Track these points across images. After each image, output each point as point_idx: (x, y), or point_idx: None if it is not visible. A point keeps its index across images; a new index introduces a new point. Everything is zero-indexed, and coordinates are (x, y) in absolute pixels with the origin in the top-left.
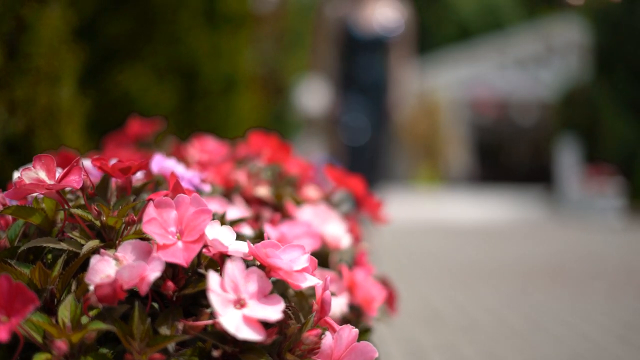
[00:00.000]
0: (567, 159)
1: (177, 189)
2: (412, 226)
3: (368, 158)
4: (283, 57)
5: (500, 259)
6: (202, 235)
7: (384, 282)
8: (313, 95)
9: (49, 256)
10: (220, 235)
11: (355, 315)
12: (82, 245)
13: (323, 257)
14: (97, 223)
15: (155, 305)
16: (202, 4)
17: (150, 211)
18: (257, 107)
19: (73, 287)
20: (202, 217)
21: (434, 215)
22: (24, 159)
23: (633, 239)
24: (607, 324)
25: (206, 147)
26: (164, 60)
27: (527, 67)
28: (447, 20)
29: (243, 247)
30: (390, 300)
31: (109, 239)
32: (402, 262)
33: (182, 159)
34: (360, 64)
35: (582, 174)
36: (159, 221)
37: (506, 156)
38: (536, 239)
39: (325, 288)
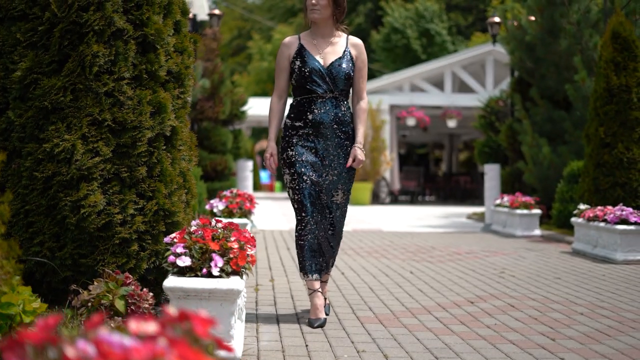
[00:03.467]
0: (492, 179)
1: None
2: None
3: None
4: (226, 84)
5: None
6: None
7: None
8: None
9: None
10: None
11: None
12: None
13: None
14: None
15: None
16: (139, 65)
17: None
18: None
19: None
20: None
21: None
22: None
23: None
24: None
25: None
26: (98, 118)
27: (463, 85)
28: (392, 47)
29: None
30: None
31: None
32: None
33: None
34: (314, 95)
35: (506, 199)
36: None
37: (442, 168)
38: (461, 257)
39: None
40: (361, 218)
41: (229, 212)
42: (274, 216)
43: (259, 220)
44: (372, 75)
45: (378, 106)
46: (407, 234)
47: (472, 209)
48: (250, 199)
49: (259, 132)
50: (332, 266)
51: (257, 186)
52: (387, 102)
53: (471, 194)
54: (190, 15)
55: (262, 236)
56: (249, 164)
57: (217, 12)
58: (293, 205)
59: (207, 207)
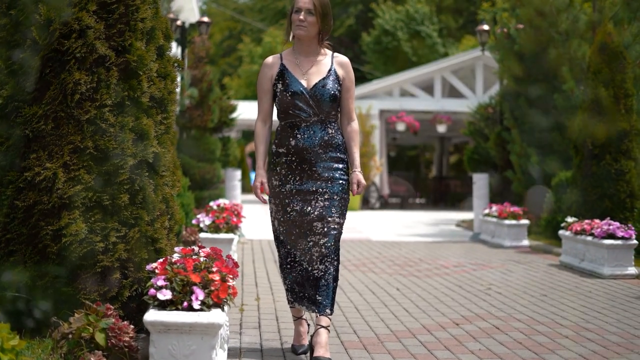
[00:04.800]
0: (480, 188)
1: None
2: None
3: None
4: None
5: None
6: None
7: None
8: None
9: None
10: None
11: None
12: None
13: None
14: None
15: None
16: (121, 91)
17: None
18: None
19: None
20: None
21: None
22: None
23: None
24: None
25: None
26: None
27: (452, 90)
28: (383, 49)
29: None
30: None
31: None
32: None
33: None
34: (298, 120)
35: (495, 209)
36: None
37: (432, 171)
38: (449, 270)
39: None
40: (351, 225)
41: (215, 228)
42: (263, 223)
43: (248, 228)
44: (362, 78)
45: (368, 111)
46: (396, 244)
47: (462, 214)
48: (238, 213)
49: (249, 134)
50: (332, 305)
51: (248, 188)
52: (377, 107)
53: (461, 197)
54: (179, 23)
55: (250, 247)
56: (237, 174)
57: (205, 19)
58: (277, 237)
59: (194, 221)
